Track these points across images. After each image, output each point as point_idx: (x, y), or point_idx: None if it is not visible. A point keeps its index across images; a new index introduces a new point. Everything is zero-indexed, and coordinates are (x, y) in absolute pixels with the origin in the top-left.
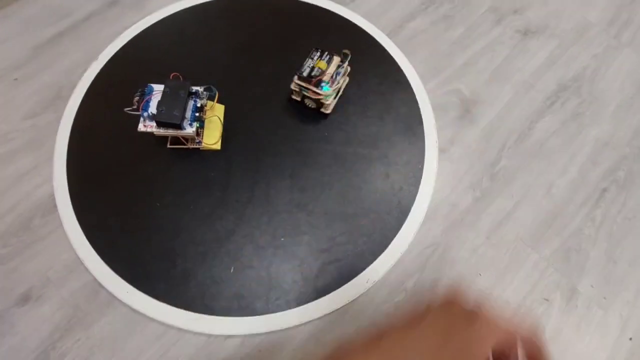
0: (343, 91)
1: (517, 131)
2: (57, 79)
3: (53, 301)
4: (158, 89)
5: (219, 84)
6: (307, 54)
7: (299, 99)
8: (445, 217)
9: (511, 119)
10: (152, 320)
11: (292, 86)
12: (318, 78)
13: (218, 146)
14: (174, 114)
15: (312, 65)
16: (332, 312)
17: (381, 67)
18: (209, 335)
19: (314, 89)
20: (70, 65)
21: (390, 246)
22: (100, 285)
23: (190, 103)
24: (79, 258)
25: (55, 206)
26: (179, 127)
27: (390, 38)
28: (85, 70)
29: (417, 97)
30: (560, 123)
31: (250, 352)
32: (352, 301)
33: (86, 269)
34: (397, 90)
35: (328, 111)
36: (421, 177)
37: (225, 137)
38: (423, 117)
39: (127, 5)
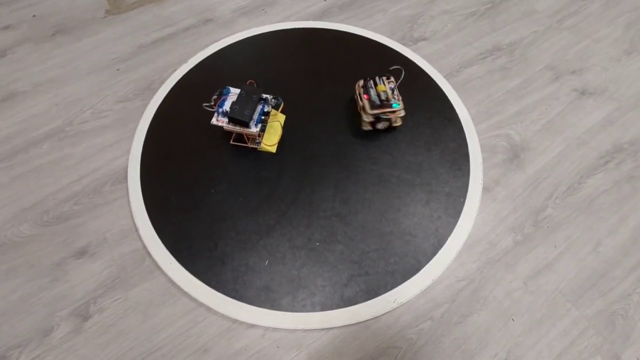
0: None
1: (566, 183)
2: (151, 74)
3: (104, 259)
4: (234, 91)
5: (285, 97)
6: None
7: (370, 128)
8: (481, 253)
9: (561, 170)
10: (185, 294)
11: (365, 118)
12: (389, 102)
13: (274, 149)
14: (245, 113)
15: (376, 92)
16: (355, 324)
17: (435, 103)
18: (234, 321)
19: (389, 110)
20: (164, 65)
21: (422, 271)
22: (147, 253)
23: (259, 107)
24: (135, 225)
25: (125, 177)
26: (247, 125)
27: (447, 79)
28: (175, 70)
29: (467, 135)
30: (613, 182)
31: (268, 346)
32: (375, 318)
33: (139, 237)
34: (448, 127)
35: (398, 124)
36: (462, 210)
37: (282, 143)
38: (470, 154)
39: (220, 24)
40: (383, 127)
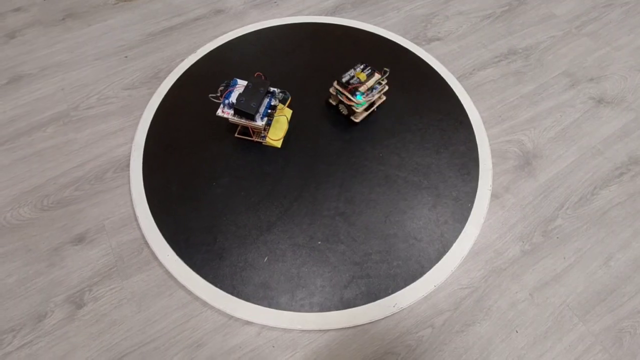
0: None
1: (578, 193)
2: (158, 62)
3: (102, 247)
4: (242, 83)
5: (292, 92)
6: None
7: (334, 103)
8: (487, 261)
9: (573, 180)
10: (182, 287)
11: (331, 90)
12: (354, 86)
13: (279, 144)
14: (251, 105)
15: (353, 74)
16: (353, 327)
17: (445, 105)
18: (230, 317)
19: (349, 95)
20: (172, 54)
21: (425, 276)
22: (146, 243)
23: (266, 100)
24: (134, 214)
25: (128, 165)
26: (253, 118)
27: (460, 81)
28: (183, 60)
29: (477, 139)
30: (627, 195)
31: (264, 345)
32: (374, 321)
33: (138, 226)
34: (458, 129)
35: (357, 120)
36: (469, 216)
37: (287, 138)
38: (480, 159)
39: (230, 15)
40: (343, 112)
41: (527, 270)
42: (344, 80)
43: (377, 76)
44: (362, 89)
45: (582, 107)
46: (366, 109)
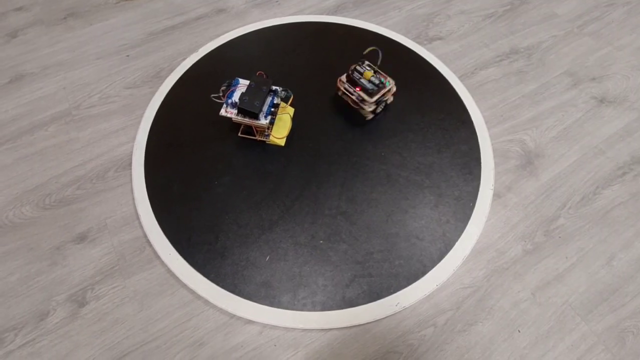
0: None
1: (580, 193)
2: (160, 61)
3: (104, 246)
4: (244, 82)
5: (295, 91)
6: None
7: (373, 115)
8: (489, 261)
9: (575, 180)
10: (184, 286)
11: (367, 107)
12: (382, 83)
13: (282, 142)
14: (255, 104)
15: (367, 80)
16: (355, 326)
17: (447, 104)
18: (232, 316)
19: (386, 89)
20: (174, 53)
21: (427, 275)
22: (148, 242)
23: (269, 99)
24: (136, 213)
25: (130, 164)
26: (256, 116)
27: (461, 81)
28: (184, 59)
29: (479, 138)
30: (629, 195)
31: (265, 344)
32: (377, 321)
33: (140, 225)
34: (460, 129)
35: (368, 117)
36: (471, 215)
37: (290, 137)
38: (482, 158)
39: (232, 14)
40: (381, 109)
41: (529, 270)
42: (374, 88)
43: (365, 65)
44: (381, 77)
45: (584, 106)
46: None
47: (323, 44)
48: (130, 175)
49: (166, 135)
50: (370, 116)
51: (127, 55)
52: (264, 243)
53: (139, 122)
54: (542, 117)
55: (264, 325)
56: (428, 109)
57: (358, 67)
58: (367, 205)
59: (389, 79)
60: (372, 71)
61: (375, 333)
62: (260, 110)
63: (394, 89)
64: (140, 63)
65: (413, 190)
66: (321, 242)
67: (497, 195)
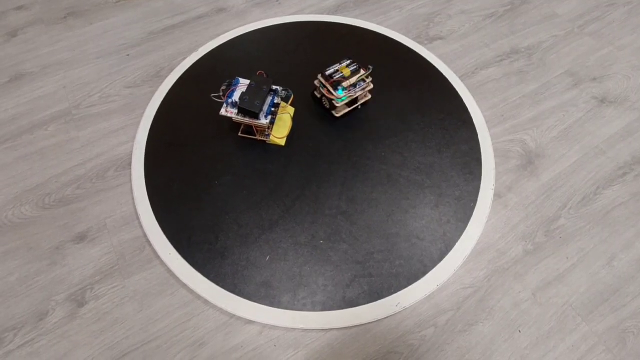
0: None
1: (581, 193)
2: (160, 61)
3: (103, 246)
4: (244, 82)
5: (295, 91)
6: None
7: (319, 96)
8: (490, 261)
9: (576, 180)
10: (184, 286)
11: (316, 82)
12: (336, 80)
13: (283, 142)
14: (255, 104)
15: (337, 68)
16: (355, 326)
17: (448, 104)
18: (232, 316)
19: (330, 88)
20: (174, 53)
21: (427, 275)
22: (148, 241)
23: (269, 99)
24: (136, 213)
25: (130, 164)
26: (257, 116)
27: (462, 81)
28: (185, 59)
29: (480, 138)
30: (630, 195)
31: (265, 344)
32: (377, 321)
33: (140, 224)
34: (461, 129)
35: (338, 115)
36: (471, 216)
37: (290, 137)
38: (483, 158)
39: (232, 14)
40: (325, 105)
41: (530, 270)
42: (327, 73)
43: (362, 73)
44: (345, 84)
45: (585, 106)
46: (348, 105)
47: (323, 44)
48: (130, 174)
49: (166, 134)
50: (345, 111)
51: (128, 55)
52: (264, 243)
53: (139, 122)
54: (542, 117)
55: (264, 326)
56: (429, 109)
57: (337, 66)
58: (367, 205)
59: (353, 89)
60: (351, 70)
61: (375, 333)
62: (261, 110)
63: (370, 86)
64: (141, 62)
65: (414, 190)
66: (321, 242)
67: (497, 196)
